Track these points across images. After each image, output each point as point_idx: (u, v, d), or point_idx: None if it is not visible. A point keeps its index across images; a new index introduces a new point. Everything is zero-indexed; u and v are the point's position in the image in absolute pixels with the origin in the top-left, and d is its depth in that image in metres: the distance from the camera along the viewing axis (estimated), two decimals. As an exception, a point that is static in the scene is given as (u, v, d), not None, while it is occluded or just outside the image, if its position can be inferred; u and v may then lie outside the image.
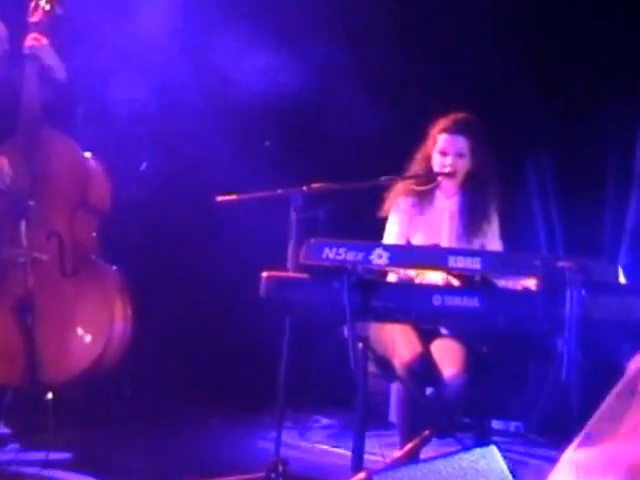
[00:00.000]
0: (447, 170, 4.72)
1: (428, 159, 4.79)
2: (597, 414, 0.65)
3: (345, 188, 4.65)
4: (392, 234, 4.79)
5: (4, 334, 5.19)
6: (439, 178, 4.76)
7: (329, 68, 6.42)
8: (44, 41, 5.33)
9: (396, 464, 2.61)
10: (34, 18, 5.35)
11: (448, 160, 4.73)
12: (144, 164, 5.34)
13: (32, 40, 5.31)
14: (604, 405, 0.63)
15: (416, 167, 4.82)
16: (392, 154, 4.93)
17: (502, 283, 4.19)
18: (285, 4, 6.29)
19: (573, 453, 0.68)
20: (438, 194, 4.83)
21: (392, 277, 4.45)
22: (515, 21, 6.21)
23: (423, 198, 4.79)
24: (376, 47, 6.38)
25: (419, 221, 4.79)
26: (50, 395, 4.99)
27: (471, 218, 4.79)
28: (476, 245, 4.75)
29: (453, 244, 4.75)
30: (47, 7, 5.35)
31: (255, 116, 6.55)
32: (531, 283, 3.99)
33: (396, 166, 4.83)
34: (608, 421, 0.62)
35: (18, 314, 5.16)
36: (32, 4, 5.36)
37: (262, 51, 6.50)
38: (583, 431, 0.67)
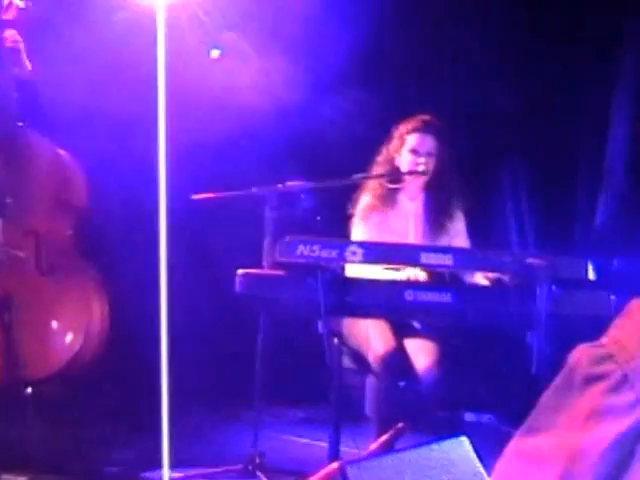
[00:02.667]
0: (420, 169, 4.74)
1: (392, 160, 4.81)
2: (539, 405, 0.66)
3: (319, 186, 4.70)
4: (357, 233, 4.80)
5: (-18, 332, 5.19)
6: (409, 177, 4.79)
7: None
8: (18, 38, 5.30)
9: (370, 455, 2.66)
10: (7, 15, 5.30)
11: (421, 159, 4.75)
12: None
13: (7, 37, 5.28)
14: (545, 396, 0.64)
15: (379, 169, 4.84)
16: (362, 153, 4.97)
17: (469, 278, 4.26)
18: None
19: (516, 443, 0.68)
20: (401, 196, 4.85)
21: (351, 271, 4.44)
22: (489, 21, 6.24)
23: (387, 199, 4.81)
24: (351, 50, 6.39)
25: (382, 220, 4.81)
26: (29, 390, 5.03)
27: (436, 218, 4.83)
28: (442, 243, 4.77)
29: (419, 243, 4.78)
30: (21, 4, 5.31)
31: (232, 115, 6.57)
32: (504, 278, 4.06)
33: (364, 165, 4.88)
34: (549, 411, 0.63)
35: (-4, 312, 5.18)
36: (4, 1, 5.31)
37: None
38: (526, 421, 0.68)
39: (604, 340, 0.74)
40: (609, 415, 0.68)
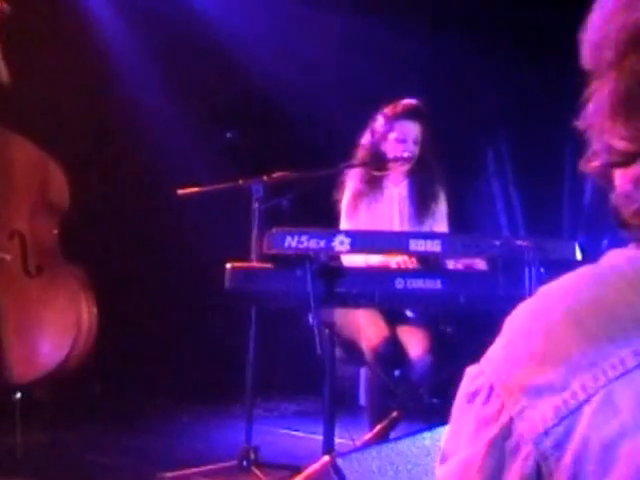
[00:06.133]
0: (406, 155, 4.72)
1: (378, 144, 4.76)
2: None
3: (305, 177, 4.69)
4: (346, 223, 4.79)
5: (-30, 337, 5.19)
6: (395, 164, 4.76)
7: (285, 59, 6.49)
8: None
9: (361, 446, 2.66)
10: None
11: (409, 146, 4.73)
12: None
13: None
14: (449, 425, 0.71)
15: (364, 153, 4.80)
16: (345, 142, 4.97)
17: (451, 264, 4.26)
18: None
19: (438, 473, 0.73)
20: (386, 182, 4.83)
21: (346, 260, 4.45)
22: (471, 7, 6.24)
23: (373, 184, 4.79)
24: (333, 43, 6.41)
25: (369, 207, 4.79)
26: (18, 395, 5.02)
27: (421, 201, 4.81)
28: (427, 225, 4.78)
29: (405, 228, 4.77)
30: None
31: (216, 107, 6.58)
32: (482, 263, 4.07)
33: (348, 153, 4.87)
34: (450, 439, 0.69)
35: (-18, 315, 5.17)
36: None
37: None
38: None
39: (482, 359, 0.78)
40: (485, 425, 0.72)
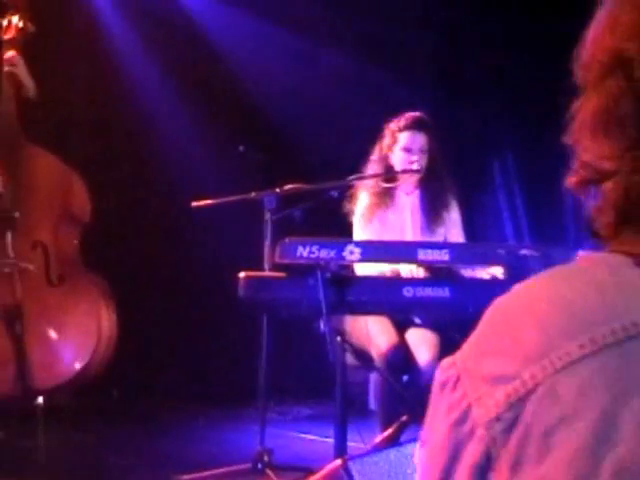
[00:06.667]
0: (415, 167, 4.73)
1: (386, 158, 4.78)
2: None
3: (316, 188, 4.69)
4: (360, 234, 4.79)
5: (-7, 343, 5.19)
6: (404, 175, 4.77)
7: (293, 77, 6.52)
8: (18, 58, 5.30)
9: (372, 450, 2.65)
10: (7, 35, 5.30)
11: (414, 157, 4.73)
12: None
13: (7, 57, 5.28)
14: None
15: (374, 167, 4.82)
16: (354, 155, 4.96)
17: (469, 272, 4.24)
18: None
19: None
20: (398, 192, 4.83)
21: (360, 269, 4.45)
22: (479, 23, 6.23)
23: (385, 195, 4.79)
24: (341, 57, 6.40)
25: (382, 218, 4.79)
26: (40, 400, 5.02)
27: (433, 209, 4.81)
28: (439, 234, 4.78)
29: (418, 237, 4.77)
30: (20, 25, 5.31)
31: (229, 121, 6.59)
32: (498, 271, 4.04)
33: (360, 165, 4.87)
34: (426, 425, 0.75)
35: (7, 323, 5.17)
36: (4, 22, 5.31)
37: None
38: None
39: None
40: (450, 410, 0.75)
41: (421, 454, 0.78)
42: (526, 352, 0.73)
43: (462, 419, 0.74)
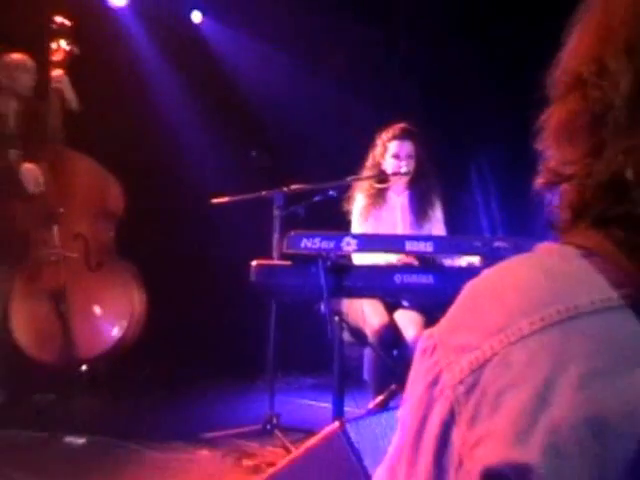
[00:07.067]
0: (403, 170, 4.74)
1: (378, 164, 4.78)
2: None
3: (318, 188, 4.70)
4: (357, 229, 4.79)
5: (43, 320, 5.23)
6: (394, 178, 4.78)
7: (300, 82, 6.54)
8: (64, 76, 5.34)
9: (367, 414, 2.65)
10: (56, 57, 5.34)
11: (403, 163, 4.74)
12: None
13: (55, 75, 5.32)
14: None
15: (368, 172, 4.82)
16: (350, 158, 4.97)
17: (450, 261, 4.25)
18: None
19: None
20: (390, 193, 4.84)
21: (356, 259, 4.46)
22: (462, 27, 6.19)
23: (378, 196, 4.80)
24: (345, 60, 6.39)
25: (376, 216, 4.80)
26: (84, 368, 5.07)
27: (420, 208, 4.82)
28: (426, 229, 4.79)
29: (407, 231, 4.78)
30: (67, 48, 5.34)
31: (242, 131, 6.60)
32: (475, 260, 4.05)
33: (355, 168, 4.88)
34: (407, 389, 0.78)
35: (54, 303, 5.21)
36: (54, 45, 5.34)
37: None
38: None
39: None
40: (425, 374, 0.77)
41: (403, 408, 0.80)
42: (486, 327, 0.74)
43: (435, 381, 0.76)
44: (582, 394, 0.69)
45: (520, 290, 0.75)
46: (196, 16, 6.91)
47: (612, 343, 0.71)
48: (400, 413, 0.81)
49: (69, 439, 4.56)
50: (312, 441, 2.32)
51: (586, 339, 0.71)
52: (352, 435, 2.23)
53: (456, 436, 0.74)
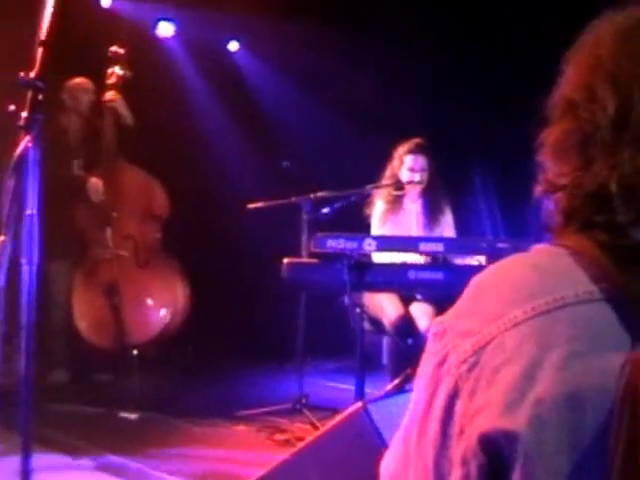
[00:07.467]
0: (416, 179, 4.73)
1: (395, 175, 4.77)
2: None
3: (342, 195, 4.71)
4: (377, 232, 4.79)
5: (99, 311, 5.26)
6: (409, 186, 4.77)
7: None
8: (118, 96, 5.37)
9: (386, 395, 2.66)
10: (111, 80, 5.37)
11: (417, 174, 4.74)
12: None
13: (110, 95, 5.35)
14: None
15: (386, 181, 4.81)
16: (370, 168, 4.97)
17: (459, 261, 4.25)
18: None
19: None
20: (406, 200, 4.83)
21: (377, 258, 4.48)
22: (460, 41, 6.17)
23: (395, 203, 4.80)
24: (358, 86, 6.39)
25: (393, 220, 4.80)
26: (135, 352, 5.10)
27: (432, 214, 4.81)
28: (437, 232, 4.78)
29: (421, 233, 4.77)
30: (120, 72, 5.36)
31: (274, 144, 6.63)
32: (481, 259, 4.05)
33: (374, 177, 4.88)
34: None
35: (108, 296, 5.25)
36: (109, 70, 5.38)
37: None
38: None
39: None
40: (435, 355, 0.80)
41: (416, 384, 0.82)
42: (487, 315, 0.77)
43: (442, 361, 0.79)
44: (563, 373, 0.72)
45: (515, 284, 0.79)
46: (233, 45, 7.07)
47: (590, 330, 0.74)
48: (414, 388, 0.84)
49: (124, 414, 4.61)
50: (337, 419, 2.33)
51: (569, 326, 0.74)
52: (373, 414, 2.24)
53: (459, 407, 0.77)
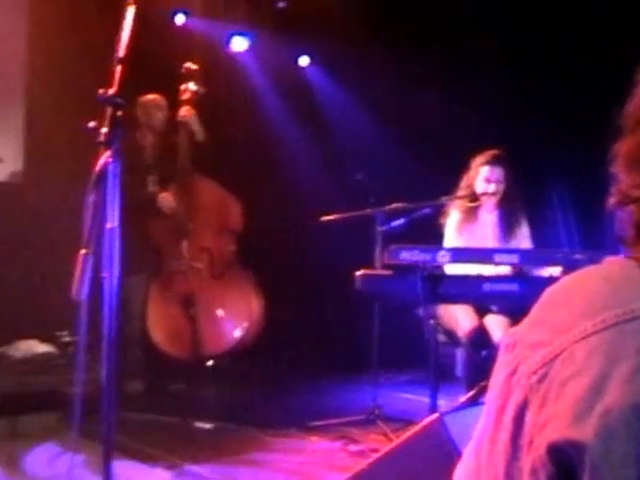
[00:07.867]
0: (491, 190, 4.68)
1: (471, 186, 4.73)
2: None
3: (416, 206, 4.70)
4: (452, 242, 4.76)
5: (175, 322, 5.32)
6: (484, 197, 4.73)
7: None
8: (192, 112, 5.44)
9: (461, 407, 2.64)
10: (185, 96, 5.44)
11: (492, 186, 4.68)
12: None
13: (184, 111, 5.44)
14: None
15: (461, 191, 4.77)
16: (444, 181, 4.95)
17: (535, 272, 4.19)
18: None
19: None
20: (482, 211, 4.78)
21: (449, 269, 4.45)
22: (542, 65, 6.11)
23: (471, 213, 4.76)
24: (423, 99, 6.36)
25: (469, 231, 4.76)
26: (210, 363, 5.15)
27: (508, 226, 4.75)
28: (513, 244, 4.72)
29: (496, 245, 4.71)
30: (194, 89, 5.44)
31: (347, 158, 6.65)
32: (556, 270, 3.99)
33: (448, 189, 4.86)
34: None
35: (184, 307, 5.31)
36: (183, 87, 5.47)
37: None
38: None
39: None
40: (507, 365, 0.81)
41: (488, 394, 0.83)
42: (558, 327, 0.77)
43: (513, 372, 0.79)
44: (632, 385, 0.72)
45: (586, 296, 0.79)
46: (303, 60, 7.20)
47: None
48: (486, 399, 0.84)
49: (199, 424, 4.66)
50: (413, 430, 2.33)
51: (638, 339, 0.74)
52: (449, 425, 2.23)
53: (529, 418, 0.77)
